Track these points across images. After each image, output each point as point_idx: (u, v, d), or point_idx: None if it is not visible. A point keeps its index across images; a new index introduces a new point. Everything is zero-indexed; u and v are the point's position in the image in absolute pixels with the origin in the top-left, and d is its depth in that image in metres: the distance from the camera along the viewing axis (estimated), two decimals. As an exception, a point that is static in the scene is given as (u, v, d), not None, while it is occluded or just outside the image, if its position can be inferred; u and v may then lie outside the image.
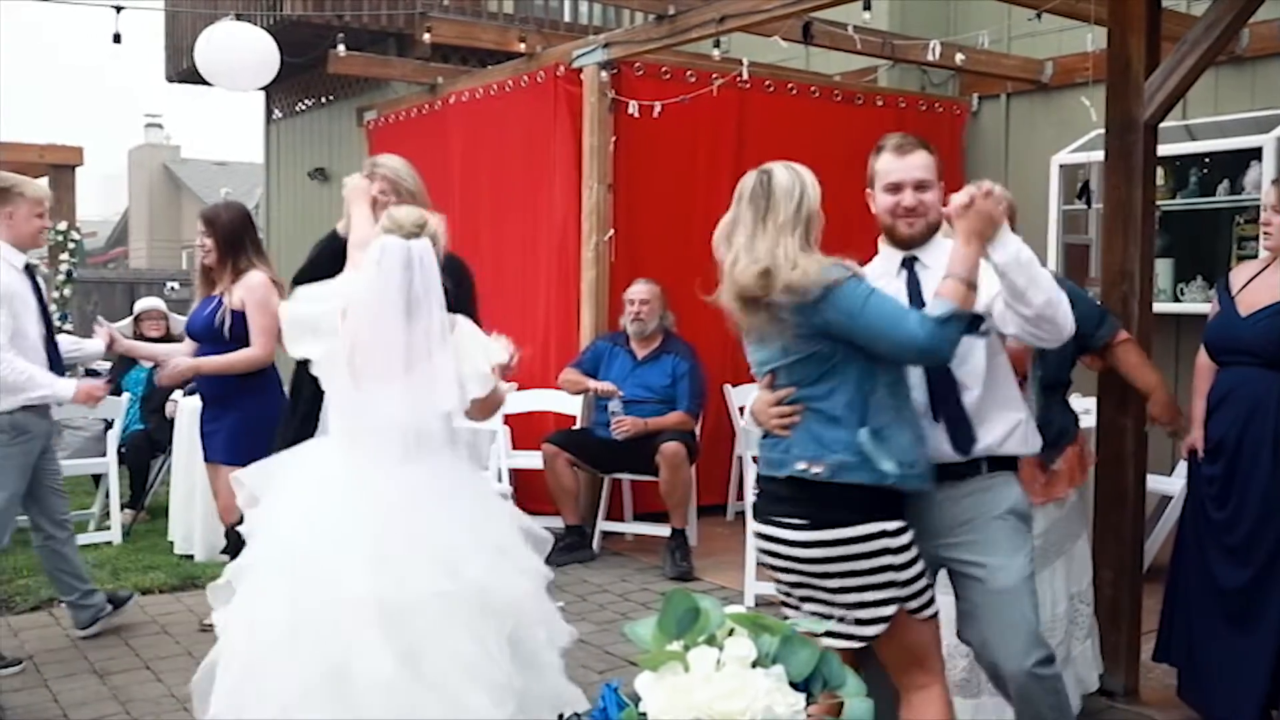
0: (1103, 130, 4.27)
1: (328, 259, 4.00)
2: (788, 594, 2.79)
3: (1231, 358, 3.83)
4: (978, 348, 2.83)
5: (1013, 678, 2.78)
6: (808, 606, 2.70)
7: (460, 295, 3.96)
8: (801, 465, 2.64)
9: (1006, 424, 2.90)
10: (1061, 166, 7.09)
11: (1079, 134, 7.00)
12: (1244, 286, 3.85)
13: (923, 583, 2.73)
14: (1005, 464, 2.93)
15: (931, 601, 2.75)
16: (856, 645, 2.64)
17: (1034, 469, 3.72)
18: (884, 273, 2.97)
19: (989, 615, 2.80)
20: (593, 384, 6.22)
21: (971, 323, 2.70)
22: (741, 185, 2.82)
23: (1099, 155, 4.49)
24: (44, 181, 4.89)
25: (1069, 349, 3.84)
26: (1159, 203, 4.55)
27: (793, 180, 2.78)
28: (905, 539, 2.68)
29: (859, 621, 2.65)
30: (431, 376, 3.04)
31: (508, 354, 3.23)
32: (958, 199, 2.69)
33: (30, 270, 4.66)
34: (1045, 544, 3.76)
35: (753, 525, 2.84)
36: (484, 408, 3.26)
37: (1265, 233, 3.83)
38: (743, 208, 2.76)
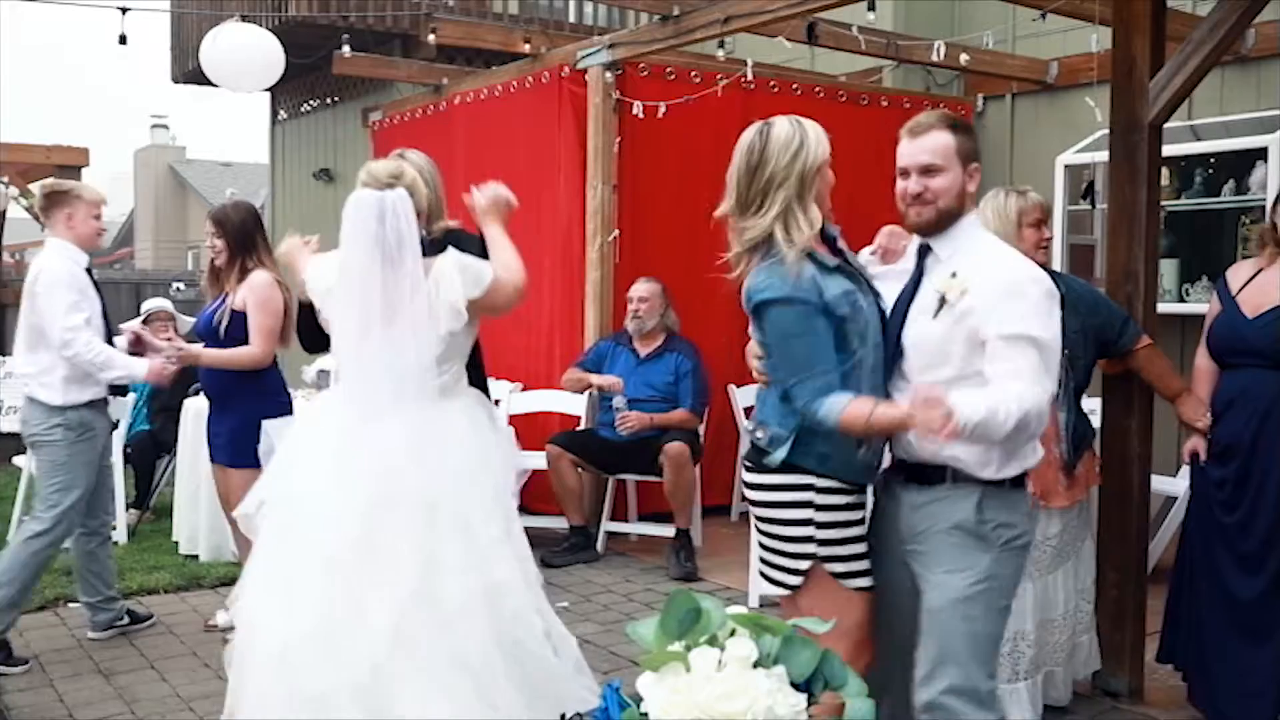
0: (1107, 131, 4.27)
1: None
2: None
3: (1238, 359, 3.81)
4: (953, 355, 2.67)
5: (915, 698, 2.68)
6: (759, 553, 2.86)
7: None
8: (752, 427, 2.85)
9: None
10: (1066, 167, 7.08)
11: (1084, 134, 6.99)
12: (1244, 286, 3.84)
13: (849, 550, 2.75)
14: (969, 478, 2.72)
15: (861, 574, 2.76)
16: (783, 592, 2.79)
17: (1058, 473, 3.75)
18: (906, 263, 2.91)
19: (922, 629, 2.70)
20: (595, 379, 6.23)
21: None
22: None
23: (1104, 156, 4.48)
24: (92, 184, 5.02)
25: (1091, 355, 3.88)
26: (1164, 203, 4.55)
27: (792, 133, 2.76)
28: (835, 499, 2.73)
29: (778, 568, 2.78)
30: (411, 327, 3.10)
31: (489, 275, 3.25)
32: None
33: (89, 271, 4.79)
34: (1060, 544, 3.84)
35: None
36: (495, 303, 3.31)
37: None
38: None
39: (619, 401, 6.06)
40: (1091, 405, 4.86)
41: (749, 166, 2.78)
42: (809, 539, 2.74)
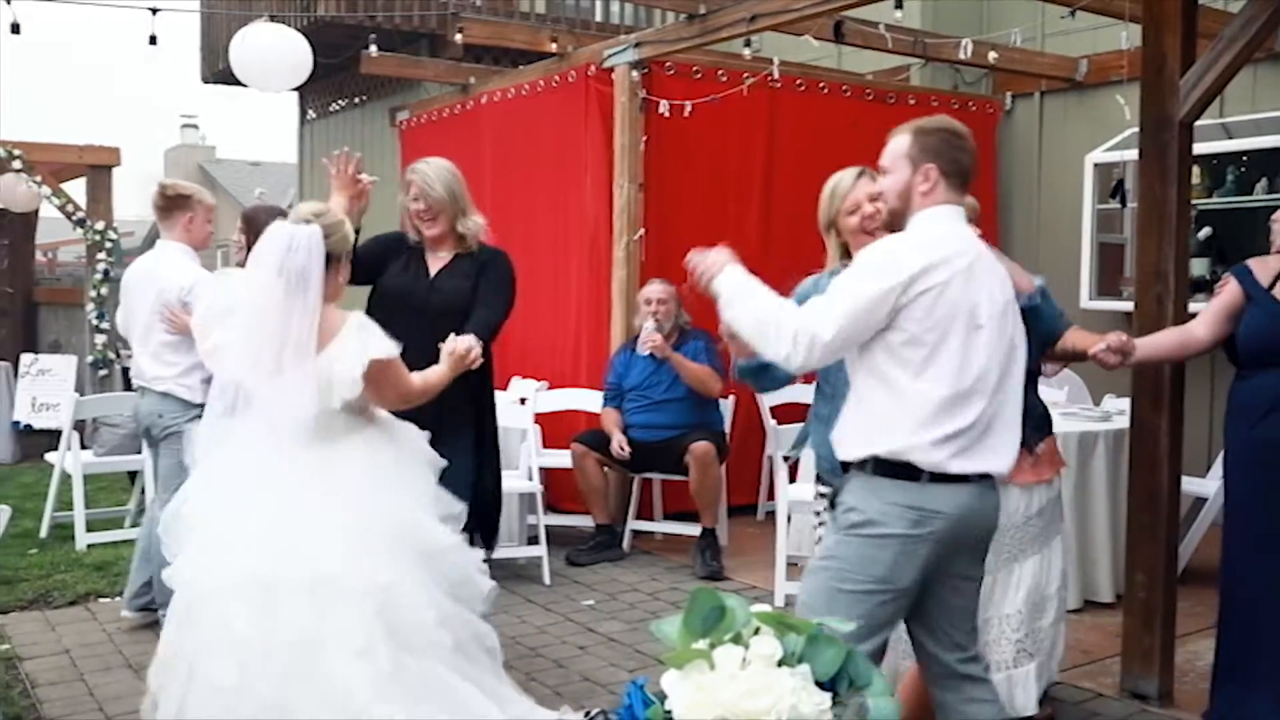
0: (1137, 129, 4.24)
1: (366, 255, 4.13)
2: None
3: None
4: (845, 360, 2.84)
5: None
6: None
7: (485, 284, 3.98)
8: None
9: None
10: (1096, 165, 7.04)
11: (1113, 132, 6.95)
12: (1276, 280, 3.72)
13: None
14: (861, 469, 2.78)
15: None
16: None
17: (1021, 453, 3.70)
18: None
19: None
20: (616, 441, 6.16)
21: None
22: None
23: (1133, 154, 4.45)
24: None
25: (1036, 339, 3.80)
26: (1195, 202, 4.51)
27: None
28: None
29: None
30: (300, 376, 3.11)
31: (386, 353, 3.22)
32: None
33: None
34: (1043, 523, 3.77)
35: None
36: (386, 397, 3.33)
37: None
38: None
39: (650, 325, 6.02)
40: (1121, 405, 4.84)
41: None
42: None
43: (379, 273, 4.26)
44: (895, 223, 2.87)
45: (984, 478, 2.74)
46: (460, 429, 4.15)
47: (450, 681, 3.16)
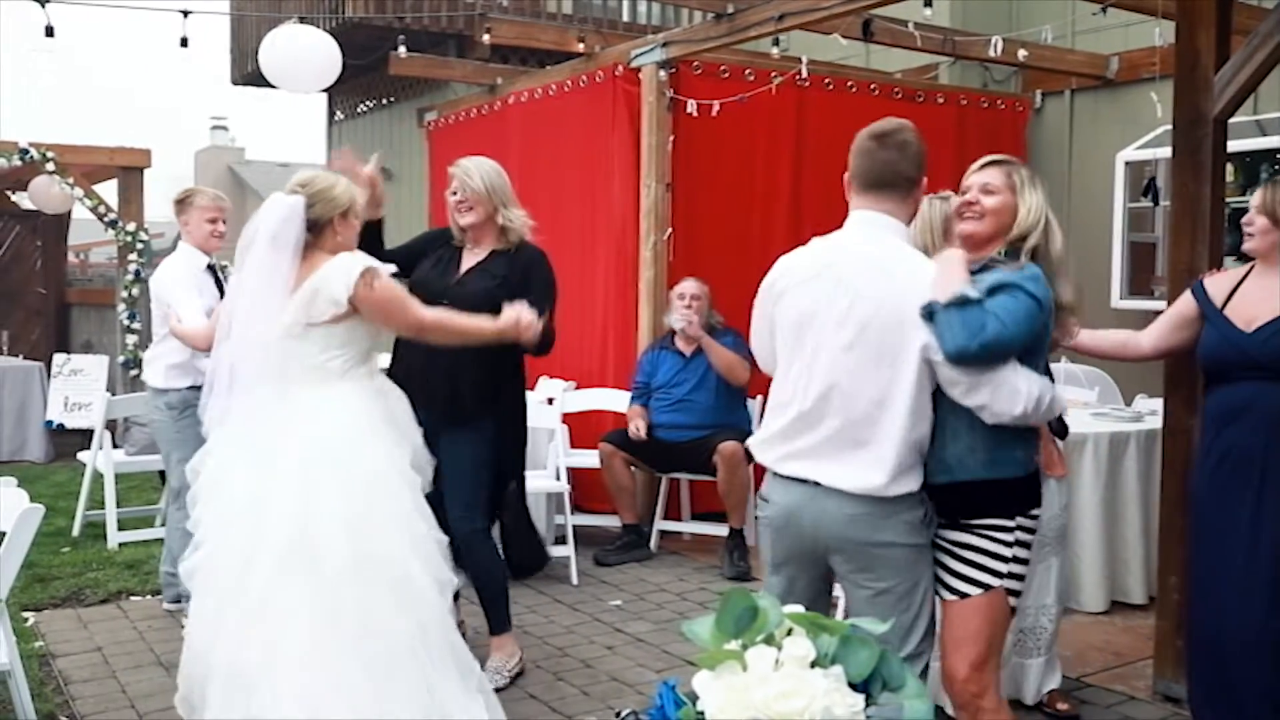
0: (1170, 126, 4.20)
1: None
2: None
3: (1241, 372, 3.69)
4: None
5: None
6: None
7: (525, 282, 4.00)
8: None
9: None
10: (1127, 164, 6.98)
11: (1144, 130, 6.89)
12: (1230, 298, 3.67)
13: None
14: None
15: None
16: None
17: (1050, 444, 3.74)
18: None
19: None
20: (634, 426, 6.17)
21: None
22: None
23: (1166, 151, 4.42)
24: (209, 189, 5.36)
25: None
26: (1228, 200, 4.46)
27: None
28: None
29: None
30: (278, 318, 3.37)
31: (378, 265, 3.42)
32: None
33: (213, 270, 5.12)
34: (1067, 519, 3.94)
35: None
36: (393, 320, 3.53)
37: (1247, 234, 3.66)
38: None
39: (681, 319, 6.09)
40: (1153, 405, 4.79)
41: None
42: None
43: (416, 267, 4.30)
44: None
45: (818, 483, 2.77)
46: (478, 418, 4.19)
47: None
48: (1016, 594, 2.88)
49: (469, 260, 4.32)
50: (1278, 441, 3.56)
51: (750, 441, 3.02)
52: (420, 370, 4.10)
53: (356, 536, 3.25)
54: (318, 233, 3.45)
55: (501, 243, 4.28)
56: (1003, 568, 2.78)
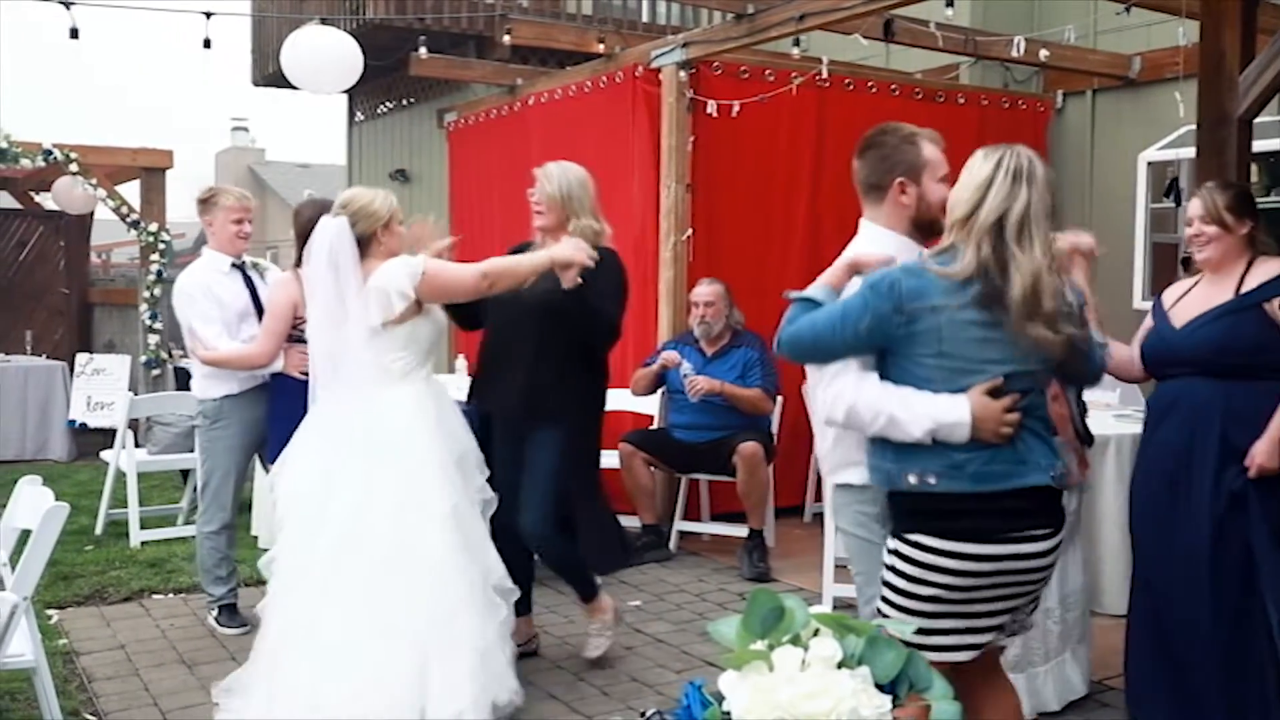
0: (1192, 126, 4.18)
1: None
2: (1017, 610, 2.68)
3: (1171, 370, 3.74)
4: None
5: None
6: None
7: (597, 286, 4.03)
8: (1051, 474, 2.57)
9: None
10: (1149, 164, 6.95)
11: (1167, 130, 6.85)
12: (1177, 302, 3.75)
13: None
14: None
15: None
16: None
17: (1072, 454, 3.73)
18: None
19: None
20: (659, 362, 6.17)
21: None
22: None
23: (1189, 152, 4.40)
24: (235, 189, 5.27)
25: None
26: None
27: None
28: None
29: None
30: (349, 325, 3.80)
31: (411, 281, 3.78)
32: None
33: (241, 268, 5.03)
34: (1075, 521, 3.90)
35: (989, 549, 2.52)
36: (455, 294, 3.97)
37: (1196, 244, 3.68)
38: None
39: (686, 368, 6.03)
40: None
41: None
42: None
43: None
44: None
45: None
46: (556, 415, 4.25)
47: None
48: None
49: None
50: (1201, 436, 3.61)
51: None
52: (501, 368, 4.30)
53: (400, 528, 3.65)
54: (365, 246, 3.86)
55: None
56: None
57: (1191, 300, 3.72)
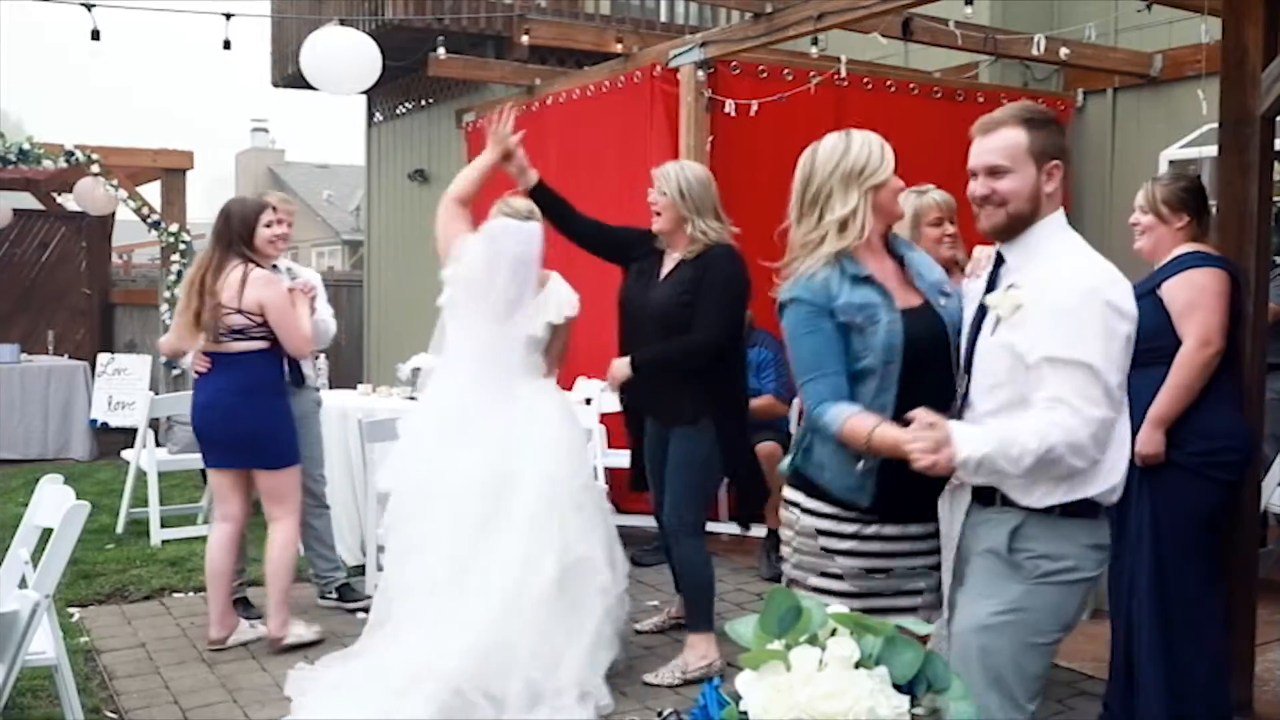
0: (1214, 124, 4.15)
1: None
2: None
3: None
4: (1007, 375, 2.53)
5: None
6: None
7: (701, 298, 4.20)
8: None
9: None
10: (1171, 163, 6.89)
11: (1189, 129, 6.81)
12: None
13: (826, 582, 2.87)
14: (1013, 503, 2.53)
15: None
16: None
17: None
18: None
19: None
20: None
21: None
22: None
23: (1211, 150, 4.37)
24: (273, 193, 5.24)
25: None
26: (1276, 199, 4.42)
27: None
28: (822, 523, 2.87)
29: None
30: (522, 319, 4.25)
31: (573, 309, 4.40)
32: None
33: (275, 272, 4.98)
34: None
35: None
36: (555, 349, 4.47)
37: (1136, 232, 3.78)
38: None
39: None
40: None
41: (801, 180, 2.98)
42: (791, 553, 2.95)
43: (619, 259, 4.64)
44: (1014, 228, 2.57)
45: None
46: (696, 418, 4.33)
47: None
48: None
49: (666, 265, 4.42)
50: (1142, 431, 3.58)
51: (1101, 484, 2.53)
52: (653, 374, 4.41)
53: (546, 498, 4.12)
54: None
55: (687, 251, 4.29)
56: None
57: None
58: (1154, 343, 3.45)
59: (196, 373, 4.76)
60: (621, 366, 4.39)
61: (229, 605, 4.82)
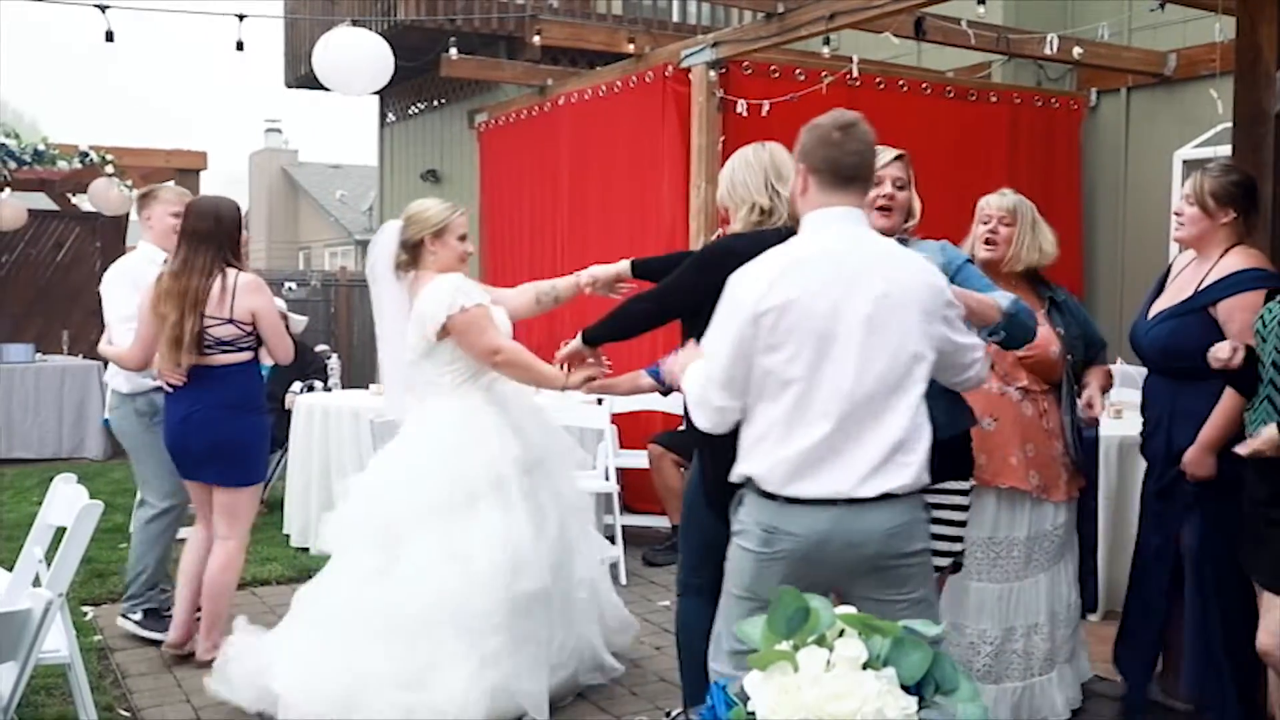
0: (1229, 124, 4.13)
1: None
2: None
3: (1146, 364, 3.76)
4: None
5: None
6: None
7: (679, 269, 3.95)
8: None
9: None
10: (1185, 162, 6.86)
11: (1203, 128, 6.77)
12: (1177, 276, 3.77)
13: None
14: None
15: None
16: None
17: (1061, 469, 3.77)
18: None
19: None
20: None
21: None
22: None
23: (1225, 150, 4.34)
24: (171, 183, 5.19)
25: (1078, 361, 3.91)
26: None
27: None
28: None
29: None
30: (394, 336, 4.02)
31: (453, 306, 3.82)
32: None
33: None
34: (1065, 536, 3.86)
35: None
36: (473, 348, 3.89)
37: (1177, 221, 3.72)
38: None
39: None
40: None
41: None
42: None
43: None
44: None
45: (853, 500, 2.49)
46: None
47: None
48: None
49: None
50: (1151, 435, 3.69)
51: (759, 468, 2.61)
52: None
53: (440, 536, 3.81)
54: (412, 252, 3.93)
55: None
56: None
57: (1178, 282, 3.73)
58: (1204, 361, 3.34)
59: (169, 387, 4.40)
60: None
61: (193, 612, 4.63)
